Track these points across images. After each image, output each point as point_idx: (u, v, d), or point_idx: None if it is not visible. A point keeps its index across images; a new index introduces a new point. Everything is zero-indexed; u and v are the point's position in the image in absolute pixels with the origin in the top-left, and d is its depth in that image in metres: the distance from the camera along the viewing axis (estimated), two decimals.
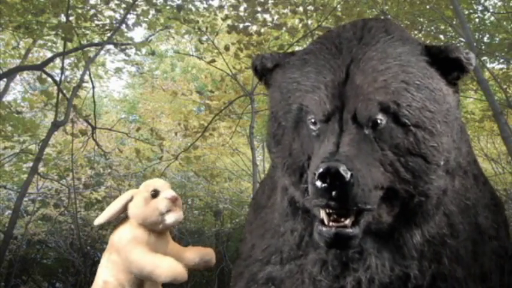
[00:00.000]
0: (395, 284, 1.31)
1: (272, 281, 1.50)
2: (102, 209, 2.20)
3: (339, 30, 1.42)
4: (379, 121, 1.20)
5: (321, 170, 1.09)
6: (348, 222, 1.16)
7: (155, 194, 2.07)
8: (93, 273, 2.17)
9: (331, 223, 1.17)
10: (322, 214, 1.19)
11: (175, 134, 8.45)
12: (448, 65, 1.29)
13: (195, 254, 2.18)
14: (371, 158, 1.17)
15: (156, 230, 2.07)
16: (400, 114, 1.20)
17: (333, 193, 1.09)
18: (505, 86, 6.88)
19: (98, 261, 2.16)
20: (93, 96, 6.82)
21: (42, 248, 9.34)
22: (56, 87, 6.33)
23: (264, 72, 1.46)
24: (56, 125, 6.02)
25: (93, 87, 6.85)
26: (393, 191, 1.21)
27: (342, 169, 1.08)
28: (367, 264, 1.32)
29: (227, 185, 9.68)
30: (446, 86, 1.29)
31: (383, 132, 1.20)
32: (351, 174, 1.09)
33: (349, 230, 1.15)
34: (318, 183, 1.10)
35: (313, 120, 1.27)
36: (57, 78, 6.32)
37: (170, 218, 2.05)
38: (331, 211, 1.17)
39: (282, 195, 1.47)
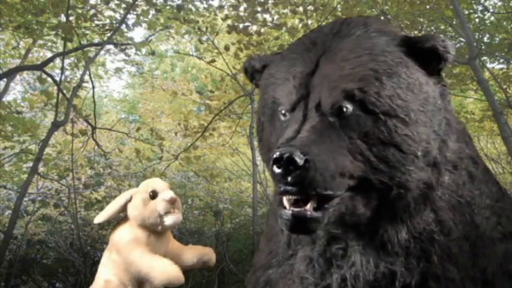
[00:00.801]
0: (382, 281, 1.29)
1: (269, 284, 1.50)
2: (102, 209, 2.20)
3: (320, 27, 1.44)
4: (344, 109, 1.18)
5: (275, 155, 1.08)
6: (308, 207, 1.14)
7: (154, 195, 2.06)
8: (93, 273, 2.17)
9: (291, 207, 1.15)
10: (284, 200, 1.18)
11: (175, 134, 8.44)
12: (425, 55, 1.26)
13: (193, 254, 2.17)
14: (337, 146, 1.15)
15: (155, 230, 2.07)
16: (366, 102, 1.18)
17: (289, 178, 1.09)
18: (505, 86, 6.88)
19: (98, 261, 2.17)
20: (93, 96, 6.82)
21: (42, 248, 9.33)
22: (56, 87, 6.32)
23: (253, 73, 1.48)
24: (56, 125, 6.02)
25: (93, 87, 6.85)
26: (367, 181, 1.19)
27: (296, 154, 1.07)
28: (352, 261, 1.31)
29: (227, 185, 9.67)
30: (424, 76, 1.26)
31: (349, 120, 1.18)
32: (306, 159, 1.07)
33: (308, 213, 1.13)
34: (275, 169, 1.09)
35: (283, 112, 1.27)
36: (57, 78, 6.32)
37: (169, 220, 2.04)
38: (291, 197, 1.16)
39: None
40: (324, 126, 1.17)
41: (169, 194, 2.06)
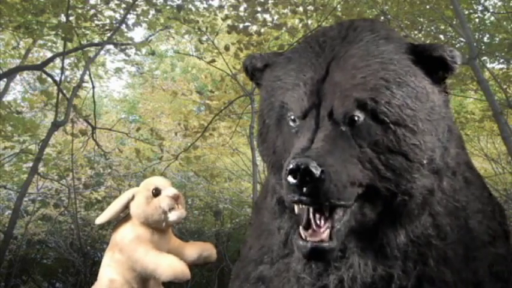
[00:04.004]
0: (379, 284, 1.31)
1: (262, 280, 1.51)
2: (102, 209, 2.21)
3: (325, 29, 1.43)
4: (356, 118, 1.19)
5: (291, 166, 1.10)
6: (324, 236, 1.17)
7: (157, 192, 2.08)
8: (93, 273, 2.19)
9: (308, 238, 1.18)
10: (301, 230, 1.20)
11: (175, 134, 8.43)
12: (433, 64, 1.28)
13: (194, 249, 2.19)
14: (347, 155, 1.17)
15: (159, 228, 2.08)
16: (378, 111, 1.19)
17: (304, 189, 1.10)
18: (505, 86, 6.87)
19: (98, 261, 2.18)
20: (93, 96, 6.82)
21: (42, 248, 9.33)
22: (56, 87, 6.33)
23: (254, 72, 1.48)
24: (56, 125, 6.03)
25: (93, 87, 6.86)
26: (374, 188, 1.21)
27: (312, 165, 1.08)
28: (350, 263, 1.32)
29: (227, 185, 9.67)
30: (430, 84, 1.28)
31: (361, 129, 1.20)
32: (322, 170, 1.09)
33: (326, 244, 1.16)
34: (290, 179, 1.10)
35: (292, 117, 1.27)
36: (57, 78, 6.33)
37: (173, 216, 2.06)
38: (313, 220, 1.18)
39: (271, 194, 1.48)
40: (336, 135, 1.18)
41: (173, 190, 2.08)
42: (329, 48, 1.29)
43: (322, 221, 1.19)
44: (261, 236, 1.58)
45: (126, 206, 2.11)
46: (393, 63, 1.24)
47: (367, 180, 1.19)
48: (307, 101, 1.23)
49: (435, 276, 1.32)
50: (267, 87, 1.39)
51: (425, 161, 1.24)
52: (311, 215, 1.20)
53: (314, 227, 1.19)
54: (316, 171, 1.08)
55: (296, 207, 1.21)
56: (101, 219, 2.11)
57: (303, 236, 1.18)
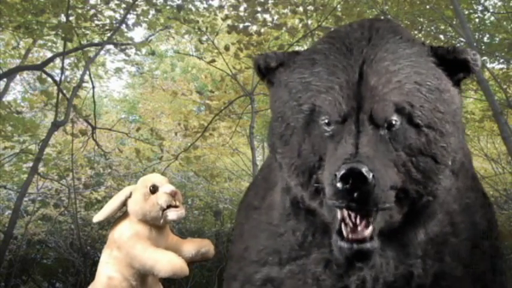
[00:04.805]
0: (399, 282, 1.32)
1: (271, 282, 1.49)
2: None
3: (346, 29, 1.41)
4: (394, 122, 1.20)
5: (343, 171, 1.09)
6: (367, 233, 1.17)
7: (154, 189, 2.09)
8: (93, 273, 2.18)
9: (350, 235, 1.18)
10: (343, 228, 1.19)
11: (175, 134, 8.44)
12: (455, 66, 1.30)
13: (192, 246, 2.19)
14: (386, 159, 1.18)
15: (156, 224, 2.08)
16: (414, 115, 1.21)
17: (355, 194, 1.09)
18: (505, 86, 6.88)
19: (98, 261, 2.17)
20: (93, 96, 6.83)
21: (42, 248, 9.33)
22: (56, 87, 6.34)
23: (267, 71, 1.45)
24: (56, 125, 6.04)
25: (93, 87, 6.87)
26: (404, 191, 1.22)
27: (365, 170, 1.08)
28: (372, 263, 1.32)
29: (227, 185, 9.67)
30: (452, 87, 1.31)
31: (398, 133, 1.21)
32: (373, 175, 1.09)
33: (370, 245, 1.17)
34: (339, 185, 1.09)
35: (326, 121, 1.25)
36: (57, 78, 6.34)
37: (173, 215, 2.06)
38: (348, 218, 1.18)
39: (283, 196, 1.46)
40: (377, 139, 1.19)
41: (170, 187, 2.09)
42: (357, 50, 1.28)
43: (358, 219, 1.19)
44: (260, 237, 1.56)
45: (124, 204, 2.12)
46: (422, 66, 1.26)
47: (400, 183, 1.20)
48: (345, 105, 1.22)
49: (448, 272, 1.34)
50: (289, 88, 1.34)
51: (450, 163, 1.27)
52: (345, 213, 1.20)
53: (351, 224, 1.19)
54: (369, 176, 1.08)
55: (339, 212, 1.20)
56: (98, 217, 2.12)
57: (345, 233, 1.18)
